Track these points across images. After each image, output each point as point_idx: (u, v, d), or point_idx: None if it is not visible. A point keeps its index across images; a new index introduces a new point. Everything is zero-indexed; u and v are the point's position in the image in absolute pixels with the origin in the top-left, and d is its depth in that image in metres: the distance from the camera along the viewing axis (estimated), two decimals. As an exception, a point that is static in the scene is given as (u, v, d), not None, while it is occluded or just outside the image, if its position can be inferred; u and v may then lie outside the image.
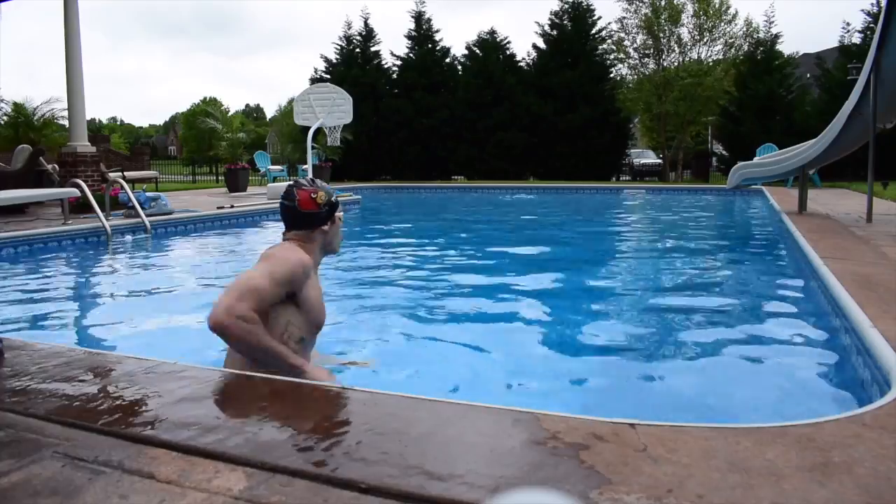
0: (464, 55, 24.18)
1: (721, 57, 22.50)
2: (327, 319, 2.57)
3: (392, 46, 45.06)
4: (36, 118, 14.81)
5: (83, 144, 10.37)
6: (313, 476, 1.49)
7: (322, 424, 1.80)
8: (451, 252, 7.30)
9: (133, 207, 7.81)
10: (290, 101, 28.43)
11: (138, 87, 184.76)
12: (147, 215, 7.85)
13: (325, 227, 2.53)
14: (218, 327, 2.17)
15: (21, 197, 5.66)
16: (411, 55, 24.29)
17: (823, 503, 1.34)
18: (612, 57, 23.45)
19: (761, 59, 21.33)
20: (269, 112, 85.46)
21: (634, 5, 22.46)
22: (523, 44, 53.65)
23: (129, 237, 7.63)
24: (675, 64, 22.52)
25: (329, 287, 5.47)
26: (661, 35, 22.25)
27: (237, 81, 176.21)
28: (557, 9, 23.29)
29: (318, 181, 2.59)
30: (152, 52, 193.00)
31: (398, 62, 24.64)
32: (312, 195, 2.50)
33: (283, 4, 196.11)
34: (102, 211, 7.41)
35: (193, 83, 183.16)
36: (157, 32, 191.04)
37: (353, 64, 24.18)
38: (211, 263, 6.62)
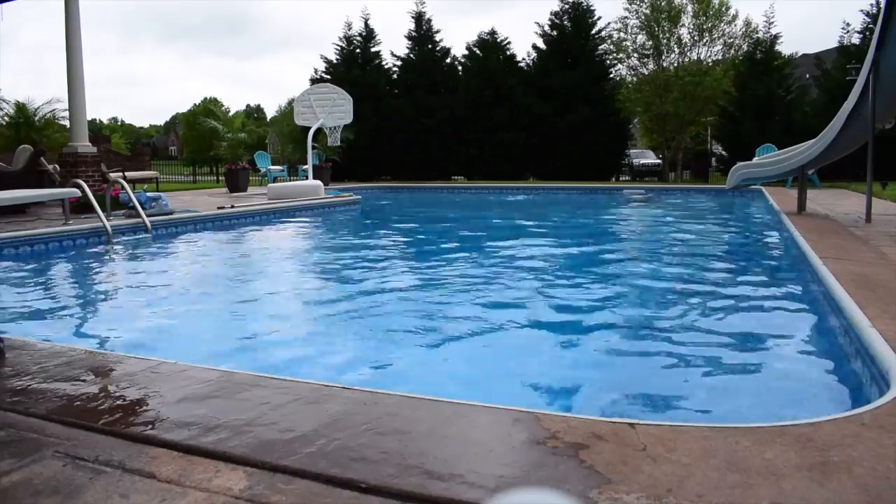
0: (464, 55, 24.18)
1: (720, 57, 22.51)
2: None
3: (392, 47, 45.12)
4: (37, 118, 14.84)
5: (84, 145, 10.38)
6: (313, 476, 1.49)
7: (322, 424, 1.80)
8: (451, 252, 7.31)
9: (134, 207, 7.82)
10: (291, 102, 28.46)
11: (139, 88, 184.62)
12: (148, 215, 7.86)
13: None
14: None
15: (22, 197, 5.66)
16: (412, 55, 24.28)
17: (822, 503, 1.34)
18: (611, 57, 23.47)
19: (760, 60, 21.32)
20: (270, 112, 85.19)
21: (635, 5, 22.49)
22: (523, 45, 53.80)
23: (129, 237, 7.64)
24: (675, 64, 22.53)
25: (329, 286, 5.49)
26: (661, 35, 22.27)
27: (238, 82, 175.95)
28: (557, 9, 23.31)
29: None
30: (153, 53, 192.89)
31: (398, 62, 24.64)
32: None
33: (284, 6, 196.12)
34: (103, 211, 7.41)
35: (194, 84, 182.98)
36: (158, 35, 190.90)
37: (354, 64, 24.18)
38: (211, 264, 6.63)
